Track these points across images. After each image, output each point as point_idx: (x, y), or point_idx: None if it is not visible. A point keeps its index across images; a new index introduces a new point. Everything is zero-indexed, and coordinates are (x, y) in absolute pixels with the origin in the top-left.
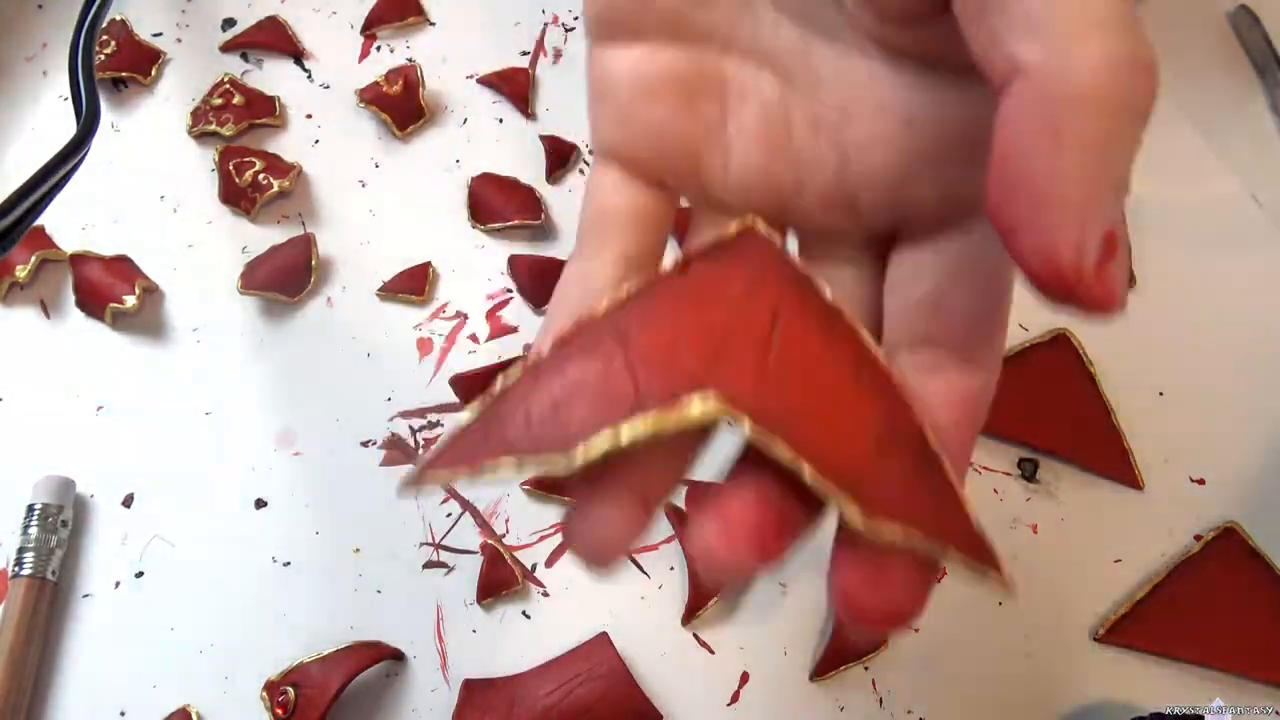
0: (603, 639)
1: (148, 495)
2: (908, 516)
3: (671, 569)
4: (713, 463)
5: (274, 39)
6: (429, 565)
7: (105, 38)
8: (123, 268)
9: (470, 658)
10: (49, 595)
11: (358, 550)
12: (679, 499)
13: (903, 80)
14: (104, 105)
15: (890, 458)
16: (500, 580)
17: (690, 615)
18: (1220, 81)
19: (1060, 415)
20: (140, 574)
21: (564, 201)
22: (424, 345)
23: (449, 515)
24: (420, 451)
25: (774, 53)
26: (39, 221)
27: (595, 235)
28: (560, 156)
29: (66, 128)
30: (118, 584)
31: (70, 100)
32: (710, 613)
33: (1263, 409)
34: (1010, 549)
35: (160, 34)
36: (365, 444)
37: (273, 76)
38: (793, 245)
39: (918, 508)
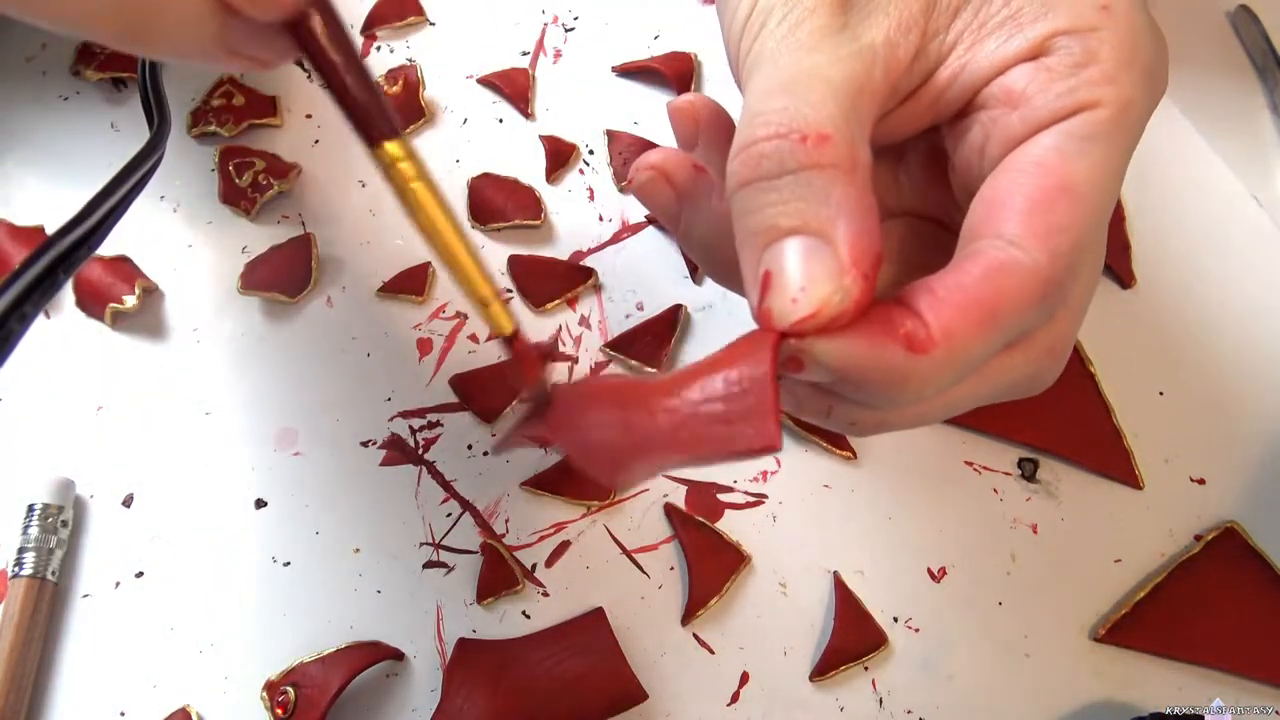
0: (598, 614)
1: (148, 495)
2: None
3: (671, 569)
4: None
5: None
6: (429, 565)
7: None
8: (123, 268)
9: None
10: (49, 595)
11: (358, 550)
12: (679, 500)
13: None
14: (103, 105)
15: None
16: (500, 580)
17: (690, 615)
18: (1220, 81)
19: (1060, 415)
20: (140, 574)
21: (564, 201)
22: (424, 345)
23: (449, 515)
24: (420, 452)
25: None
26: (39, 223)
27: None
28: (560, 157)
29: (67, 128)
30: (118, 584)
31: (141, 106)
32: (710, 613)
33: (1263, 409)
34: (1010, 549)
35: None
36: (365, 444)
37: (272, 77)
38: None
39: None
